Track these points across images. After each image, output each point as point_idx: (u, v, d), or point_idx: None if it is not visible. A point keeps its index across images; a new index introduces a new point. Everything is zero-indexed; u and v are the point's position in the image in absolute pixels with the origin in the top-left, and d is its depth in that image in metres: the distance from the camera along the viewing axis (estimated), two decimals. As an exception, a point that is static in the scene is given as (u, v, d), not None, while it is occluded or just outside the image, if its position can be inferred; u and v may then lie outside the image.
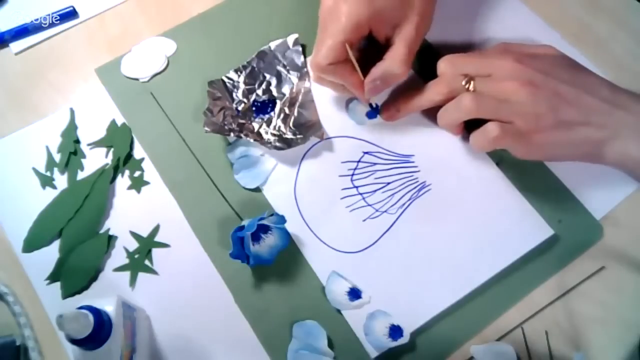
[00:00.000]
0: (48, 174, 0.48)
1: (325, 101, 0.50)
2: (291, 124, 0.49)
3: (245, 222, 0.43)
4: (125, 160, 0.48)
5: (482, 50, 0.49)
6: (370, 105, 0.49)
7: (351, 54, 0.44)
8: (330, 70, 0.45)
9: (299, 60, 0.51)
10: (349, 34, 0.44)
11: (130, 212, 0.47)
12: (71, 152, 0.49)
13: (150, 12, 0.55)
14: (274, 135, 0.48)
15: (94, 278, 0.45)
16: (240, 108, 0.50)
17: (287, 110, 0.49)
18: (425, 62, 0.50)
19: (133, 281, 0.45)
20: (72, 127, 0.50)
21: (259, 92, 0.50)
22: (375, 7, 0.44)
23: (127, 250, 0.46)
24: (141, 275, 0.45)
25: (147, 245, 0.46)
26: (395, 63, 0.44)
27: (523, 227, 0.45)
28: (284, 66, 0.51)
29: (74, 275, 0.44)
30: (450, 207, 0.46)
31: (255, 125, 0.49)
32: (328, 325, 0.43)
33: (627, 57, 0.52)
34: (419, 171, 0.47)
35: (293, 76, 0.51)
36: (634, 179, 0.46)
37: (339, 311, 0.43)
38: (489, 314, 0.43)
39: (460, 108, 0.43)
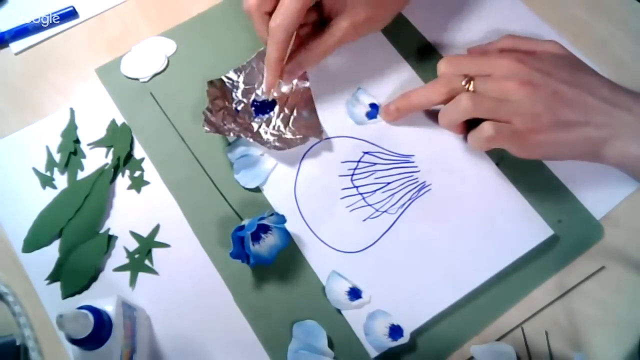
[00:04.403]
0: (48, 174, 0.48)
1: (325, 101, 0.50)
2: (291, 124, 0.49)
3: (245, 222, 0.43)
4: (125, 160, 0.48)
5: (486, 44, 0.49)
6: (373, 105, 0.49)
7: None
8: (259, 18, 0.44)
9: (299, 60, 0.51)
10: None
11: (130, 212, 0.47)
12: (71, 152, 0.49)
13: (150, 12, 0.55)
14: (273, 135, 0.48)
15: (94, 278, 0.45)
16: (239, 108, 0.50)
17: (286, 110, 0.49)
18: (425, 63, 0.50)
19: (133, 281, 0.45)
20: (72, 127, 0.50)
21: (259, 92, 0.50)
22: None
23: (127, 250, 0.46)
24: (141, 275, 0.45)
25: (147, 245, 0.46)
26: (314, 52, 0.45)
27: (523, 227, 0.45)
28: (284, 66, 0.51)
29: (74, 275, 0.44)
30: (450, 207, 0.46)
31: (255, 125, 0.49)
32: (328, 325, 0.43)
33: (627, 57, 0.52)
34: (419, 171, 0.47)
35: (293, 76, 0.51)
36: (634, 178, 0.46)
37: (339, 311, 0.43)
38: (489, 314, 0.43)
39: (459, 108, 0.43)
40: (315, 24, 0.47)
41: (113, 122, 0.50)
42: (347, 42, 0.46)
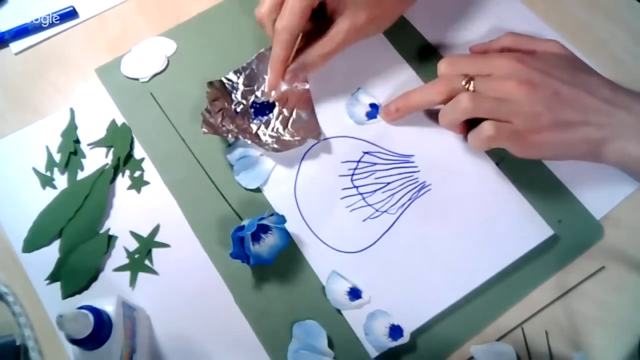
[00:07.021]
0: (48, 174, 0.48)
1: (324, 102, 0.50)
2: (289, 126, 0.49)
3: (245, 222, 0.43)
4: (125, 160, 0.48)
5: (487, 42, 0.49)
6: (373, 105, 0.49)
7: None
8: (270, 25, 0.45)
9: (299, 60, 0.51)
10: None
11: (130, 212, 0.47)
12: (71, 152, 0.49)
13: (150, 12, 0.55)
14: (272, 137, 0.48)
15: (94, 278, 0.45)
16: (239, 109, 0.50)
17: (285, 112, 0.49)
18: (425, 63, 0.50)
19: (133, 281, 0.45)
20: (72, 127, 0.50)
21: (258, 93, 0.50)
22: None
23: (127, 250, 0.46)
24: (141, 275, 0.45)
25: (147, 245, 0.46)
26: (316, 54, 0.45)
27: (523, 227, 0.45)
28: (284, 66, 0.51)
29: (74, 275, 0.44)
30: (450, 207, 0.46)
31: (254, 127, 0.49)
32: (328, 325, 0.43)
33: (627, 57, 0.52)
34: (419, 171, 0.47)
35: (293, 76, 0.51)
36: (634, 178, 0.46)
37: (339, 311, 0.43)
38: (489, 314, 0.43)
39: (458, 108, 0.43)
40: (320, 26, 0.47)
41: (113, 122, 0.50)
42: (349, 45, 0.46)
